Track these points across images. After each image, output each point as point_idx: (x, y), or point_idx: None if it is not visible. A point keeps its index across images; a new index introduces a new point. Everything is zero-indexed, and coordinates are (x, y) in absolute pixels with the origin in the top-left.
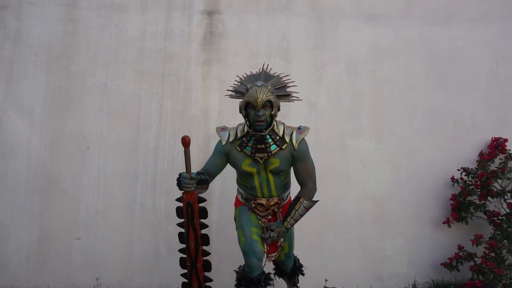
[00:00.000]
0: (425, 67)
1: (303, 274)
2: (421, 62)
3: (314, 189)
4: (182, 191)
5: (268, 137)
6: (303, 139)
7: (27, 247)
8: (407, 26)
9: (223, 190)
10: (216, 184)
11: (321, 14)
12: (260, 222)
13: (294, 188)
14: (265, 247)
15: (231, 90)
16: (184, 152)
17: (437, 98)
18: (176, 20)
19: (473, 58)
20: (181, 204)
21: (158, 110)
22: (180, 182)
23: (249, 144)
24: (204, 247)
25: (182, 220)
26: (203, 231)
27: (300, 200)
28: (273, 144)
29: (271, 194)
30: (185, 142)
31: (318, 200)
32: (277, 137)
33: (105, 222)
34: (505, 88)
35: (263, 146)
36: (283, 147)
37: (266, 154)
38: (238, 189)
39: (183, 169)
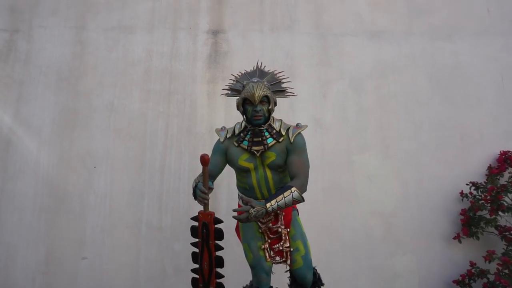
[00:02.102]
0: (430, 82)
1: (323, 284)
2: (425, 77)
3: (305, 186)
4: (199, 211)
5: (265, 131)
6: (300, 134)
7: (33, 267)
8: (411, 42)
9: (229, 208)
10: (222, 201)
11: (325, 31)
12: (261, 230)
13: None
14: (265, 250)
15: (227, 89)
16: (203, 170)
17: (443, 112)
18: (182, 40)
19: (478, 72)
20: (196, 223)
21: (164, 128)
22: (195, 193)
23: (246, 139)
24: (218, 269)
25: (197, 240)
26: (218, 253)
27: (292, 189)
28: (269, 137)
29: (270, 195)
30: (204, 160)
31: (304, 201)
32: (274, 131)
33: (111, 241)
34: (511, 101)
35: (260, 139)
36: (280, 140)
37: (262, 147)
38: (238, 194)
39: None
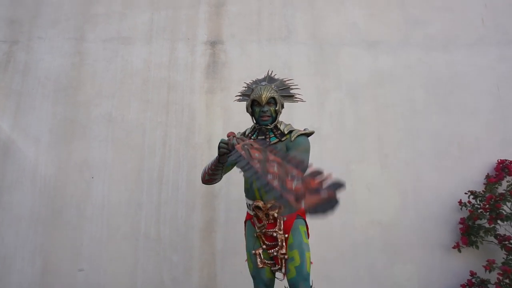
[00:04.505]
0: (427, 91)
1: None
2: (422, 87)
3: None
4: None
5: (270, 130)
6: (303, 136)
7: (29, 280)
8: (407, 52)
9: (228, 218)
10: (220, 212)
11: (321, 42)
12: (255, 235)
13: None
14: (257, 254)
15: (239, 95)
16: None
17: (440, 121)
18: (180, 50)
19: (474, 82)
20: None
21: (162, 139)
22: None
23: (253, 137)
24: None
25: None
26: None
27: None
28: (273, 136)
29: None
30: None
31: None
32: (279, 132)
33: (108, 252)
34: (508, 110)
35: (263, 137)
36: (282, 140)
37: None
38: (246, 202)
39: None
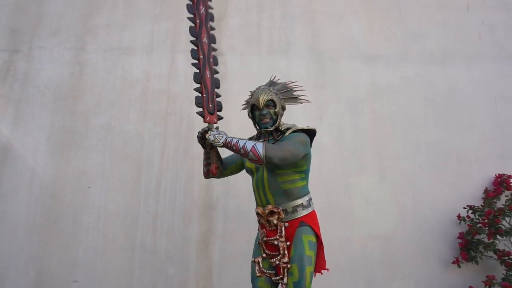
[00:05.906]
0: (425, 105)
1: None
2: (420, 100)
3: (274, 151)
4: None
5: (270, 133)
6: (299, 131)
7: None
8: (405, 66)
9: (225, 230)
10: (218, 223)
11: (321, 55)
12: (258, 242)
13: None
14: (257, 263)
15: (244, 104)
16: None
17: (439, 135)
18: (180, 62)
19: (471, 96)
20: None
21: (160, 149)
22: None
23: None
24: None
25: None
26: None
27: (261, 141)
28: (271, 138)
29: (267, 200)
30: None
31: (261, 162)
32: (279, 133)
33: (104, 264)
34: (506, 125)
35: (263, 140)
36: (278, 138)
37: None
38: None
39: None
